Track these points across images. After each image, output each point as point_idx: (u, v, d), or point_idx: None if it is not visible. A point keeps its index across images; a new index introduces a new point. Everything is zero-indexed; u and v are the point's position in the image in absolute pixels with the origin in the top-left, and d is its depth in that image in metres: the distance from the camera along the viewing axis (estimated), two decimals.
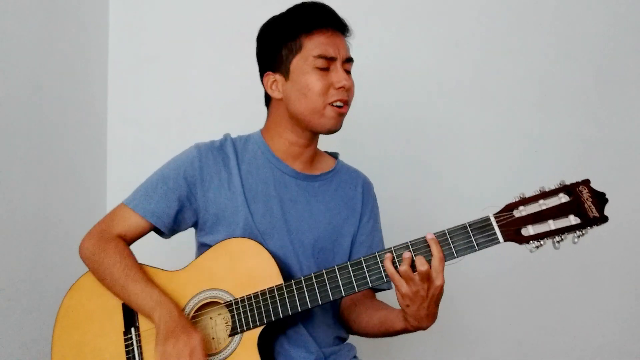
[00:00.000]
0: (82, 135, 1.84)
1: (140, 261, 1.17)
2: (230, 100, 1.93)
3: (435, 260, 0.98)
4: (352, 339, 1.29)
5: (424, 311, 1.01)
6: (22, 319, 1.52)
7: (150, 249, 1.31)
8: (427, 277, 0.97)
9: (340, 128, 1.19)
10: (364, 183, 1.31)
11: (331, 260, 1.20)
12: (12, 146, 1.50)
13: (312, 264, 1.17)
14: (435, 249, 0.98)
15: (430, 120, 1.94)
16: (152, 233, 1.22)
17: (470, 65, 1.94)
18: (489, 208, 0.98)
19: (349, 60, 1.19)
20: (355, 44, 1.25)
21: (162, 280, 1.14)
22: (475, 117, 1.93)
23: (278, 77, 1.19)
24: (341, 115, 1.17)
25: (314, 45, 1.15)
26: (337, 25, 1.18)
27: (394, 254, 1.02)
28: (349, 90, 1.17)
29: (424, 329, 1.05)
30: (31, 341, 1.54)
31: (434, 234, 1.00)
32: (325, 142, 1.38)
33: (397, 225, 1.43)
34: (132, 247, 1.20)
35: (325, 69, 1.15)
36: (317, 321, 1.18)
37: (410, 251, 1.00)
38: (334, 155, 1.33)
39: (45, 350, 1.49)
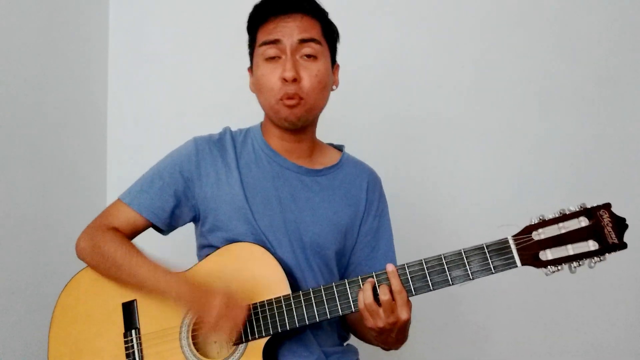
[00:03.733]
0: (82, 135, 1.83)
1: None
2: (230, 101, 1.92)
3: (395, 294, 0.95)
4: (354, 341, 1.28)
5: (391, 339, 1.02)
6: (22, 319, 1.51)
7: (150, 249, 1.31)
8: (390, 309, 0.95)
9: (297, 125, 1.12)
10: (370, 179, 1.24)
11: (331, 260, 1.16)
12: (12, 146, 1.49)
13: (312, 263, 1.13)
14: (393, 282, 0.96)
15: (430, 121, 1.93)
16: (152, 232, 1.21)
17: (471, 67, 1.93)
18: (504, 227, 0.95)
19: (305, 40, 1.08)
20: (355, 45, 1.23)
21: None
22: (476, 119, 1.92)
23: (251, 73, 1.18)
24: (295, 117, 1.09)
25: (261, 34, 1.10)
26: (287, 6, 1.09)
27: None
28: (297, 81, 1.06)
29: (396, 349, 1.07)
30: (31, 341, 1.53)
31: (450, 253, 0.97)
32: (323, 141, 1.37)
33: (398, 229, 1.42)
34: None
35: (276, 58, 1.08)
36: (320, 322, 1.15)
37: (373, 280, 0.98)
38: (339, 148, 1.28)
39: (45, 350, 1.48)
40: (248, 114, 1.46)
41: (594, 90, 1.91)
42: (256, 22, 1.13)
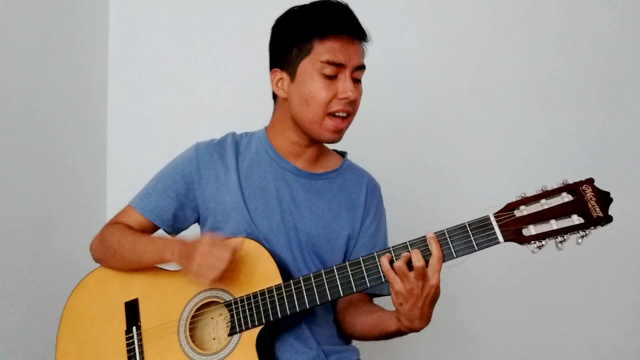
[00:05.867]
0: (82, 135, 1.84)
1: None
2: (231, 100, 1.93)
3: (434, 259, 0.96)
4: (356, 342, 1.27)
5: (417, 311, 0.99)
6: (22, 319, 1.52)
7: None
8: (422, 275, 0.95)
9: (339, 140, 1.17)
10: (369, 184, 1.27)
11: (328, 260, 1.19)
12: (12, 146, 1.50)
13: (309, 263, 1.17)
14: (434, 248, 0.97)
15: (432, 121, 1.93)
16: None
17: (472, 66, 1.93)
18: (490, 208, 0.96)
19: (360, 67, 1.15)
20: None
21: (164, 280, 1.17)
22: (478, 118, 1.92)
23: (285, 75, 1.16)
24: (338, 132, 1.15)
25: (325, 50, 1.11)
26: (353, 32, 1.14)
27: (393, 254, 1.00)
28: (353, 102, 1.14)
29: (417, 330, 1.02)
30: (31, 341, 1.54)
31: (433, 233, 0.99)
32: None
33: (399, 227, 1.42)
34: None
35: (332, 77, 1.12)
36: (318, 319, 1.17)
37: (408, 251, 0.98)
38: (342, 154, 1.31)
39: (45, 350, 1.49)
40: (248, 114, 1.47)
41: (594, 90, 1.91)
42: (313, 32, 1.12)
